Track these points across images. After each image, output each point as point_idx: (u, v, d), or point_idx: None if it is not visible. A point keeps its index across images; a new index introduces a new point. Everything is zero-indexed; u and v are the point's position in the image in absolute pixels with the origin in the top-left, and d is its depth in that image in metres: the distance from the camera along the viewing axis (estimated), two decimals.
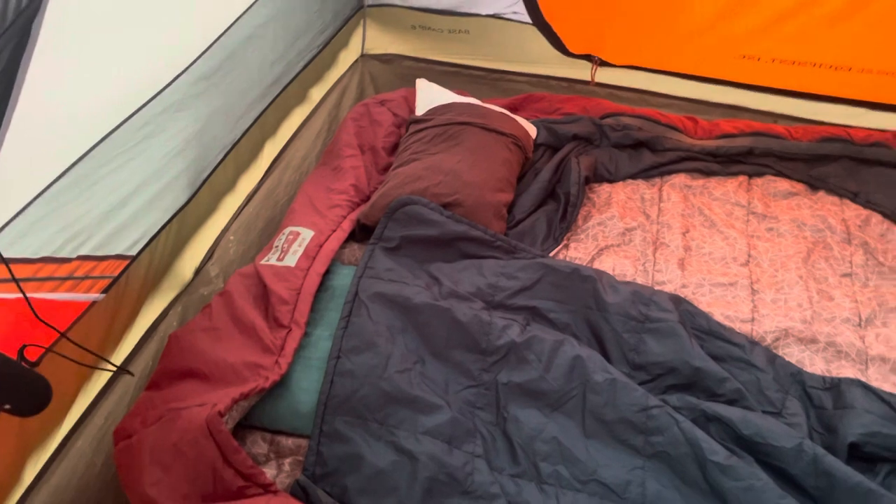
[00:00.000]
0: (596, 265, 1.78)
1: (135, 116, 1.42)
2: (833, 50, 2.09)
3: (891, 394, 1.44)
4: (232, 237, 1.90)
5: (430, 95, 2.14)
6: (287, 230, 1.70)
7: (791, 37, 2.10)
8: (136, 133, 1.44)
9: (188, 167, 1.66)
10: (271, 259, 1.62)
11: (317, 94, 2.34)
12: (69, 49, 1.21)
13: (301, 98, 2.24)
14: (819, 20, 2.05)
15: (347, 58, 2.53)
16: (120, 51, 1.37)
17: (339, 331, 1.48)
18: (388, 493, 1.29)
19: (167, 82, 1.50)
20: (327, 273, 1.65)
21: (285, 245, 1.64)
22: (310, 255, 1.62)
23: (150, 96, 1.45)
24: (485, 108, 2.05)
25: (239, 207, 1.94)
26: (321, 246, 1.65)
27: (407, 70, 2.60)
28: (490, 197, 1.79)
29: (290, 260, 1.59)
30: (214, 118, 1.72)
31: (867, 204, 1.92)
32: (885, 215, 1.89)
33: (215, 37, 1.65)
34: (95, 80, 1.32)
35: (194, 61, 1.57)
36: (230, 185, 1.90)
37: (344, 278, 1.62)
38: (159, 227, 1.57)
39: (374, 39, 2.61)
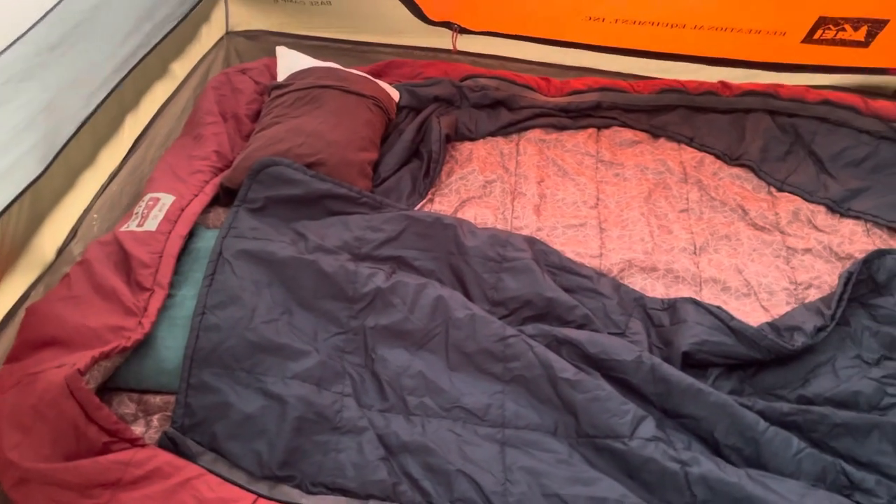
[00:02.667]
0: (459, 216, 1.86)
1: None
2: (668, 9, 2.26)
3: (718, 307, 1.60)
4: (96, 215, 1.85)
5: (290, 62, 2.16)
6: (147, 197, 1.68)
7: None
8: None
9: (39, 141, 1.60)
10: (131, 226, 1.60)
11: (180, 69, 2.30)
12: None
13: (162, 72, 2.20)
14: None
15: (211, 33, 2.49)
16: None
17: (204, 288, 1.50)
18: (257, 435, 1.33)
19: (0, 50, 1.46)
20: (192, 236, 1.65)
21: (145, 211, 1.62)
22: (171, 219, 1.61)
23: None
24: (345, 71, 2.09)
25: (102, 185, 1.89)
26: (183, 209, 1.65)
27: (273, 46, 2.57)
28: (353, 156, 1.84)
29: (151, 225, 1.58)
30: (66, 91, 1.68)
31: (701, 147, 2.11)
32: (716, 156, 2.08)
33: (51, 4, 1.60)
34: None
35: (30, 29, 1.53)
36: (89, 161, 1.85)
37: (208, 241, 1.63)
38: (8, 202, 1.53)
39: (239, 15, 2.59)
